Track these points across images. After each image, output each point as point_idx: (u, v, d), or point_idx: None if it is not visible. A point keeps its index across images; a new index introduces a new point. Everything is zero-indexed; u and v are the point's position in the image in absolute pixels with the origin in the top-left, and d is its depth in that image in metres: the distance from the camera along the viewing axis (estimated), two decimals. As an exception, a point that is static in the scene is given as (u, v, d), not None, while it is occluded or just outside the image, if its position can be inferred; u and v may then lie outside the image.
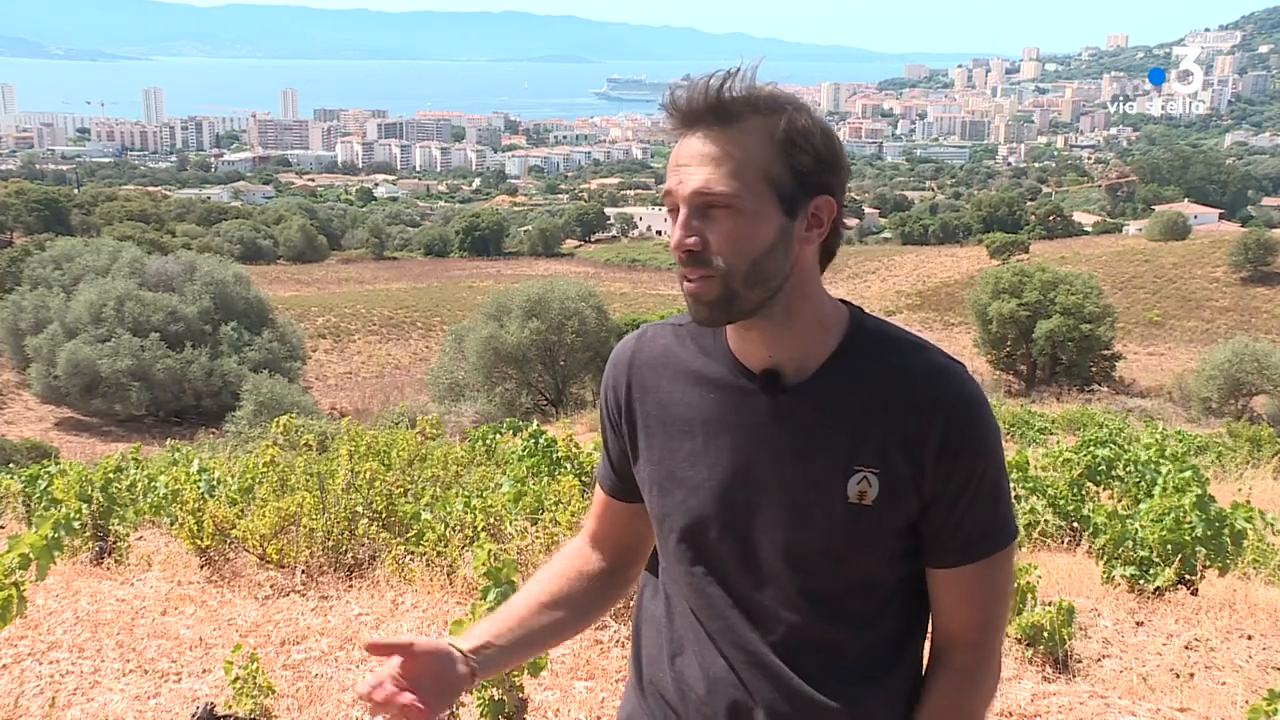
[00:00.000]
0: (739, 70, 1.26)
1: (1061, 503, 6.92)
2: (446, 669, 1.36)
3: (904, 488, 1.29)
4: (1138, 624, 4.77)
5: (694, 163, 1.25)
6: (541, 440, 7.58)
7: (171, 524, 6.23)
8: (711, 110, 1.25)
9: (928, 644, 1.43)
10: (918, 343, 1.34)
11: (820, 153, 1.26)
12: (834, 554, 1.30)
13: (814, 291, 1.32)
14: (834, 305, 1.35)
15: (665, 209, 1.31)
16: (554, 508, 4.92)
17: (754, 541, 1.32)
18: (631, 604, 4.52)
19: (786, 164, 1.25)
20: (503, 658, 1.45)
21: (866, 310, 1.38)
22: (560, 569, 1.56)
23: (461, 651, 1.39)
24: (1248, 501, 5.42)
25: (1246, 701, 3.66)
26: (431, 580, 4.97)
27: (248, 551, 5.37)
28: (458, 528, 5.20)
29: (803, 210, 1.27)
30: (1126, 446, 8.71)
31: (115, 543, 5.86)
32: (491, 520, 4.71)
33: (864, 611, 1.33)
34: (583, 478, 6.29)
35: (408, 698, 1.29)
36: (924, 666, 1.42)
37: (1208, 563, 5.07)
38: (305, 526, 5.21)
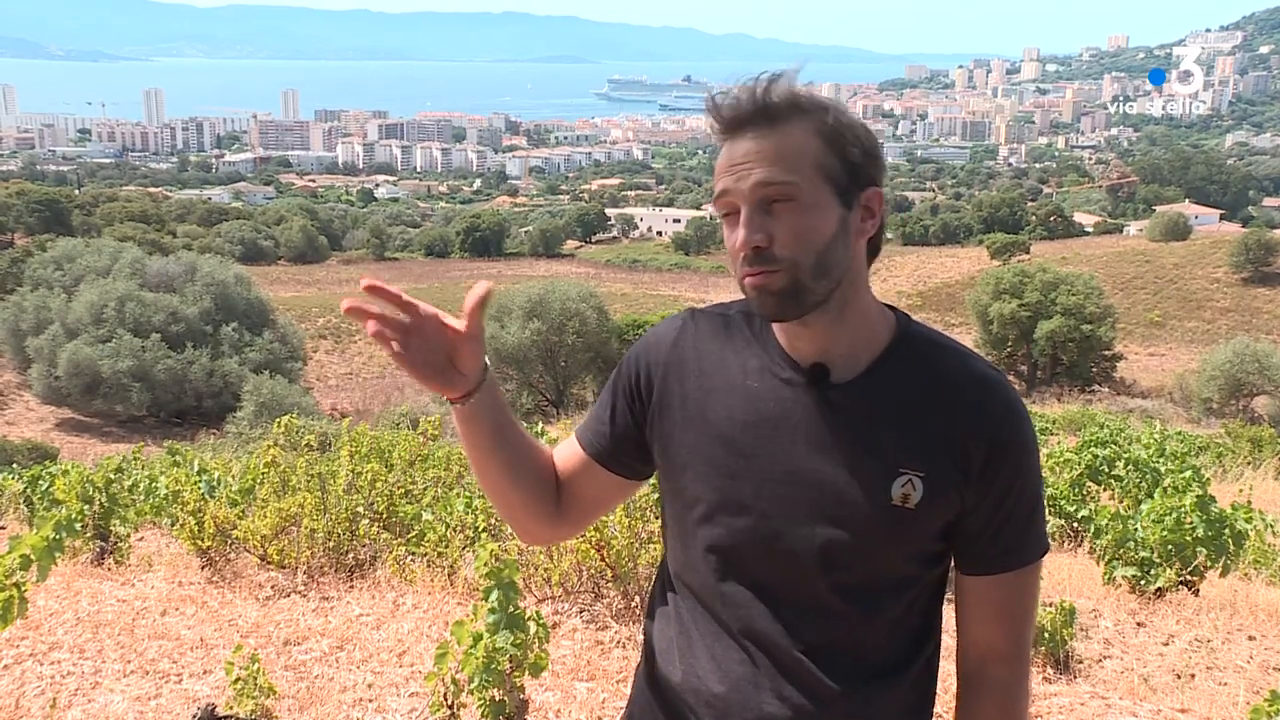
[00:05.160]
0: (781, 73, 1.27)
1: (1062, 503, 6.92)
2: (445, 348, 1.33)
3: (947, 492, 1.29)
4: (1139, 625, 4.77)
5: (750, 159, 1.25)
6: (541, 441, 7.58)
7: (172, 525, 6.23)
8: (759, 113, 1.26)
9: (952, 665, 1.43)
10: (964, 350, 1.35)
11: (865, 145, 1.29)
12: (871, 553, 1.30)
13: (864, 288, 1.34)
14: (879, 307, 1.36)
15: (720, 215, 1.30)
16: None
17: (791, 535, 1.31)
18: (633, 605, 4.51)
19: (837, 156, 1.27)
20: (491, 418, 1.39)
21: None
22: (546, 455, 1.52)
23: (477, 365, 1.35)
24: (1248, 502, 5.42)
25: (1248, 702, 3.65)
26: (433, 581, 4.98)
27: (249, 552, 5.38)
28: (459, 528, 5.20)
29: (856, 202, 1.29)
30: (1127, 447, 8.72)
31: (116, 543, 5.86)
32: (493, 520, 4.71)
33: (892, 609, 1.33)
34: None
35: (396, 346, 1.30)
36: (937, 664, 1.42)
37: (1209, 563, 5.07)
38: (306, 527, 5.21)
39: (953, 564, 1.40)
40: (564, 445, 1.54)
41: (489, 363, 1.39)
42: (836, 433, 1.30)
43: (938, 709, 1.33)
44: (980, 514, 1.31)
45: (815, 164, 1.25)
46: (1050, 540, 5.86)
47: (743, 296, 1.37)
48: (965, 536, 1.33)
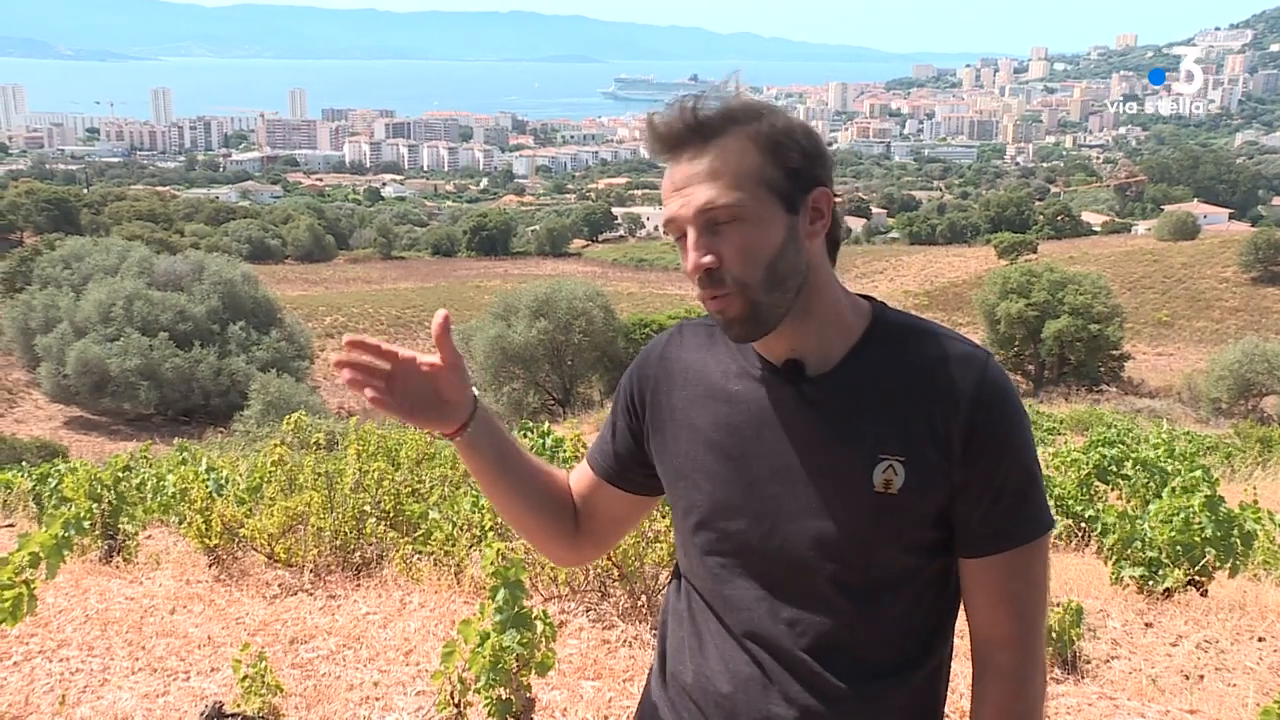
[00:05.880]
0: (713, 87, 1.29)
1: (1070, 503, 6.90)
2: (430, 388, 1.38)
3: (932, 476, 1.28)
4: (1147, 625, 4.75)
5: (691, 183, 1.26)
6: (548, 440, 7.58)
7: (180, 523, 6.24)
8: (693, 131, 1.27)
9: (965, 647, 1.41)
10: (942, 332, 1.34)
11: (805, 147, 1.29)
12: (863, 544, 1.30)
13: (827, 283, 1.34)
14: (852, 298, 1.37)
15: (672, 238, 1.32)
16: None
17: (783, 532, 1.32)
18: (639, 604, 4.51)
19: (777, 164, 1.27)
20: (492, 445, 1.45)
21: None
22: (559, 477, 1.57)
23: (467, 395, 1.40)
24: (1256, 502, 5.40)
25: (1257, 704, 3.64)
26: (439, 579, 4.98)
27: (256, 550, 5.39)
28: (465, 527, 5.20)
29: (803, 205, 1.29)
30: (1135, 447, 8.70)
31: (124, 541, 5.88)
32: (499, 520, 4.72)
33: (894, 604, 1.32)
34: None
35: (371, 391, 1.34)
36: (950, 661, 1.41)
37: (1217, 564, 5.06)
38: (313, 526, 5.22)
39: None
40: (578, 469, 1.58)
41: (478, 393, 1.44)
42: (816, 426, 1.31)
43: (949, 711, 1.33)
44: (968, 494, 1.29)
45: (755, 178, 1.26)
46: (1054, 519, 5.86)
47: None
48: (957, 519, 1.31)
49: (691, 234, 1.27)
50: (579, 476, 1.56)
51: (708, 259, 1.26)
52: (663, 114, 1.29)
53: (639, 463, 1.49)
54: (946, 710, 1.47)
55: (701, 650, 1.40)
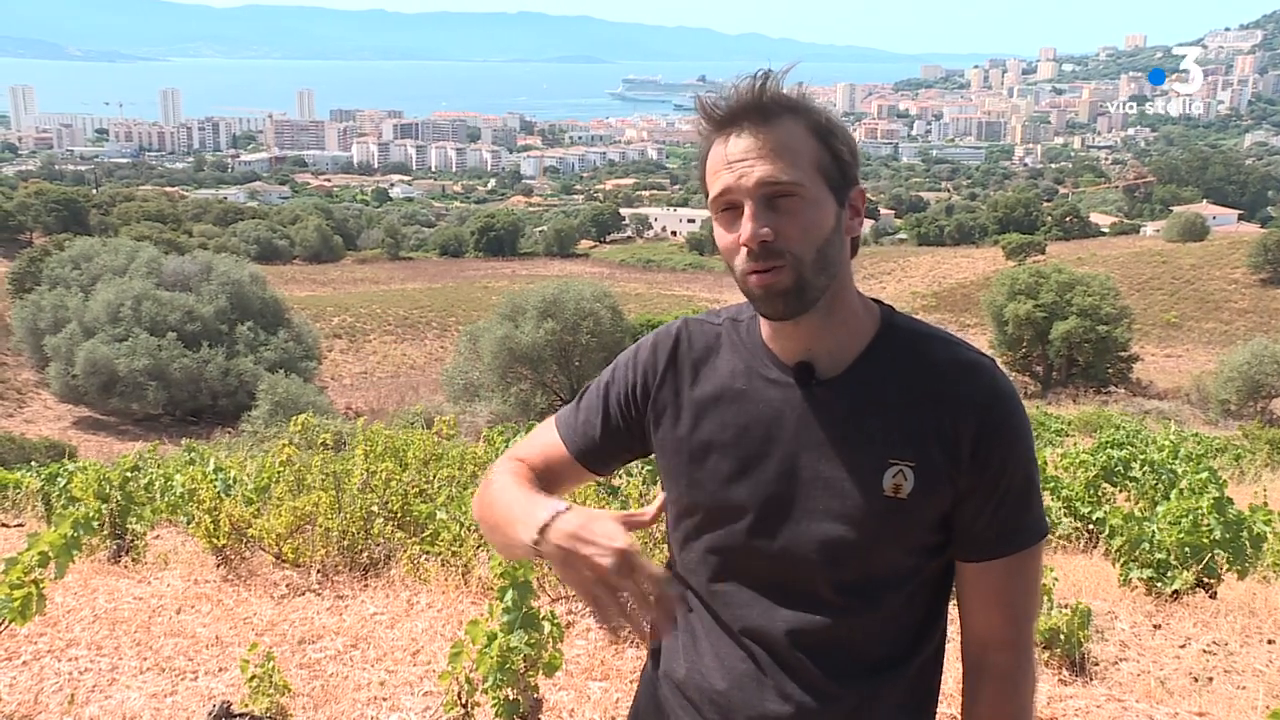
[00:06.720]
0: (771, 72, 1.29)
1: (1078, 504, 6.89)
2: None
3: (939, 481, 1.29)
4: (1155, 627, 4.74)
5: (750, 155, 1.26)
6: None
7: (188, 523, 6.26)
8: (754, 110, 1.28)
9: (957, 648, 1.42)
10: (949, 338, 1.36)
11: (851, 145, 1.31)
12: (868, 546, 1.31)
13: (849, 283, 1.35)
14: (865, 301, 1.38)
15: (717, 212, 1.30)
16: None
17: (788, 534, 1.32)
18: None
19: (830, 155, 1.29)
20: None
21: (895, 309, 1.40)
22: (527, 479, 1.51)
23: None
24: (1265, 504, 5.38)
25: (1267, 707, 3.63)
26: (446, 580, 4.99)
27: (264, 550, 5.40)
28: (473, 528, 5.21)
29: (846, 199, 1.32)
30: (1143, 449, 8.67)
31: (133, 541, 5.90)
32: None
33: (892, 603, 1.34)
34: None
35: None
36: (943, 655, 1.42)
37: (1226, 566, 5.04)
38: (321, 526, 5.23)
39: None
40: (542, 436, 1.52)
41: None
42: (825, 429, 1.32)
43: (947, 708, 1.32)
44: (974, 500, 1.31)
45: (813, 162, 1.28)
46: (1053, 533, 5.78)
47: (736, 303, 1.40)
48: (961, 523, 1.33)
49: (750, 206, 1.26)
50: (546, 444, 1.51)
51: (766, 231, 1.25)
52: (719, 91, 1.30)
53: (623, 448, 1.48)
54: (947, 713, 1.47)
55: (696, 647, 1.40)
